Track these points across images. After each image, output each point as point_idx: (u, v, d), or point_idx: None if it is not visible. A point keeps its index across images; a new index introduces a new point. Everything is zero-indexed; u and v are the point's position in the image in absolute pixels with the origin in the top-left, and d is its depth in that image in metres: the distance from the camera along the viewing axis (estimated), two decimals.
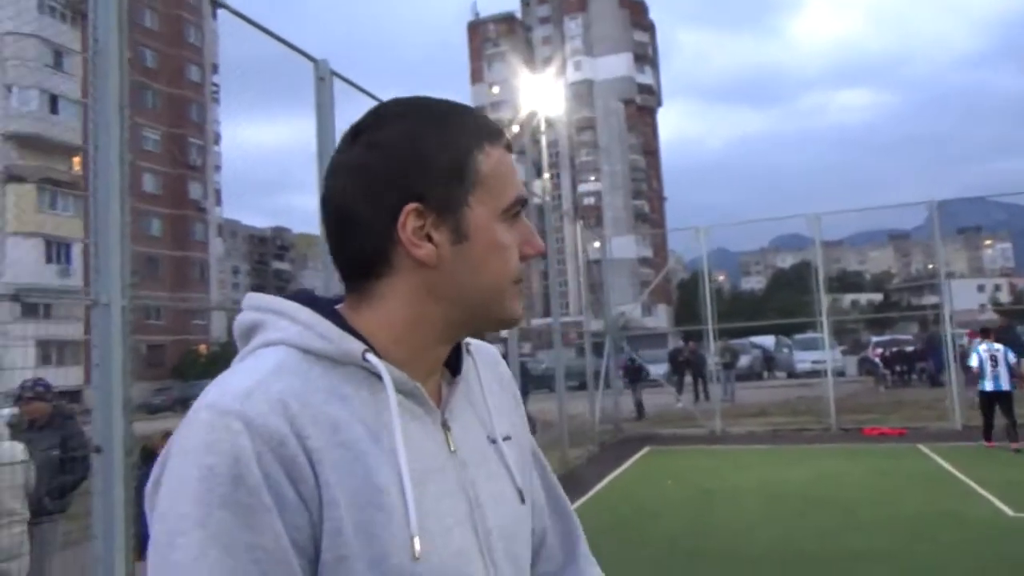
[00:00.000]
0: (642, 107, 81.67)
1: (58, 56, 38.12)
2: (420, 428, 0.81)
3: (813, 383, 18.17)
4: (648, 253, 73.16)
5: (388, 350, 0.80)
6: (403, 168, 0.79)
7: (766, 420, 14.84)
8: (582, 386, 13.92)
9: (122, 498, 3.76)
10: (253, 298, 0.84)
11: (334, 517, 0.71)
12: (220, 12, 5.09)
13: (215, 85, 47.91)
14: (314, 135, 5.56)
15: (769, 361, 29.44)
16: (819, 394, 14.65)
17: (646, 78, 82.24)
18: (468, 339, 0.96)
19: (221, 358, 40.98)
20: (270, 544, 0.68)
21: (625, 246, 60.51)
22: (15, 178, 38.07)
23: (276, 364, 0.76)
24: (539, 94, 34.04)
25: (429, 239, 0.79)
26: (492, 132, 0.84)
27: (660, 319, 63.36)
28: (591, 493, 8.86)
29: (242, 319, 0.82)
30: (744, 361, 24.43)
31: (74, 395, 32.05)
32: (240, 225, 74.68)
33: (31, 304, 35.26)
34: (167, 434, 4.38)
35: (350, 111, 6.09)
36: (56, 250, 38.73)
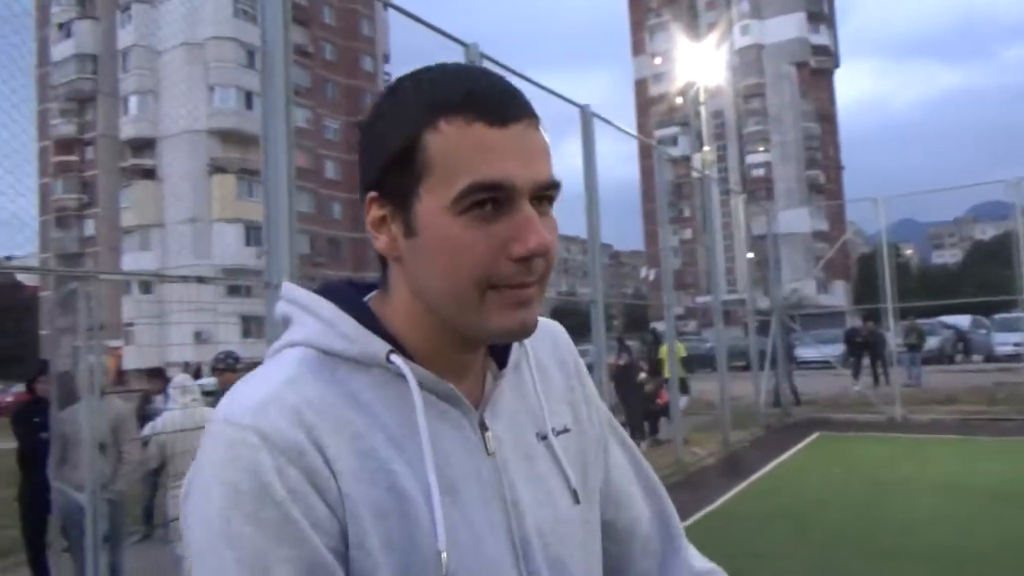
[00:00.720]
0: (817, 70, 76.19)
1: (250, 55, 41.79)
2: (453, 431, 0.75)
3: (1014, 368, 16.36)
4: (823, 227, 68.70)
5: (417, 347, 0.75)
6: (365, 154, 0.75)
7: (955, 408, 13.52)
8: (750, 367, 13.36)
9: None
10: (287, 289, 0.79)
11: (358, 531, 0.67)
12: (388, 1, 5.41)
13: (387, 74, 50.46)
14: None
15: (963, 343, 26.73)
16: (1020, 380, 13.15)
17: (821, 38, 76.56)
18: None
19: None
20: (308, 555, 0.64)
21: (797, 219, 57.12)
22: (218, 169, 42.30)
23: (293, 371, 0.71)
24: (702, 62, 32.73)
25: (390, 229, 0.73)
26: (450, 101, 0.69)
27: (837, 297, 59.46)
28: (752, 478, 8.54)
29: (278, 311, 0.79)
30: (933, 343, 22.34)
31: None
32: None
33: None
34: None
35: None
36: (254, 234, 42.73)
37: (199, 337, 26.86)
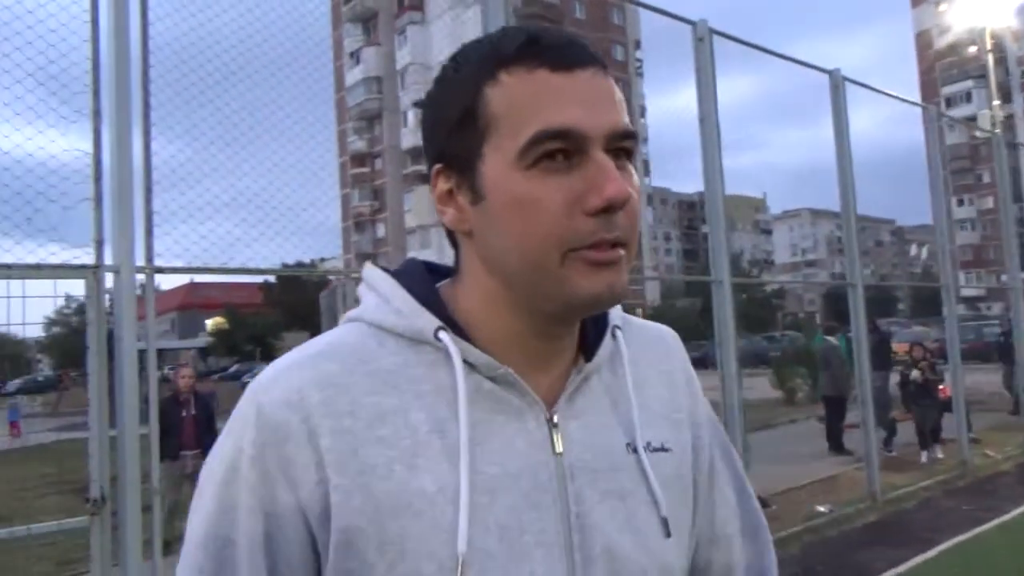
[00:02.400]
0: None
1: None
2: (511, 422, 0.67)
3: None
4: None
5: (487, 331, 0.69)
6: (430, 124, 0.70)
7: None
8: None
9: None
10: (365, 270, 0.77)
11: (347, 526, 0.62)
12: None
13: (639, 60, 50.22)
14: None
15: None
16: None
17: None
18: (621, 317, 0.79)
19: (655, 319, 43.12)
20: (242, 544, 0.63)
21: None
22: None
23: (329, 344, 0.69)
24: (992, 5, 27.94)
25: (456, 201, 0.69)
26: (510, 51, 0.65)
27: None
28: None
29: (358, 291, 0.77)
30: None
31: None
32: (670, 192, 77.36)
33: None
34: None
35: (739, 68, 5.91)
36: None
37: None
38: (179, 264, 3.97)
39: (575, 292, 0.64)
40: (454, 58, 0.70)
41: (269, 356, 37.03)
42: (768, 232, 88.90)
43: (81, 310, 3.64)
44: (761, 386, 14.11)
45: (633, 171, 0.67)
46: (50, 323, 39.20)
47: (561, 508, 0.67)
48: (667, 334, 0.84)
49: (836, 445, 9.50)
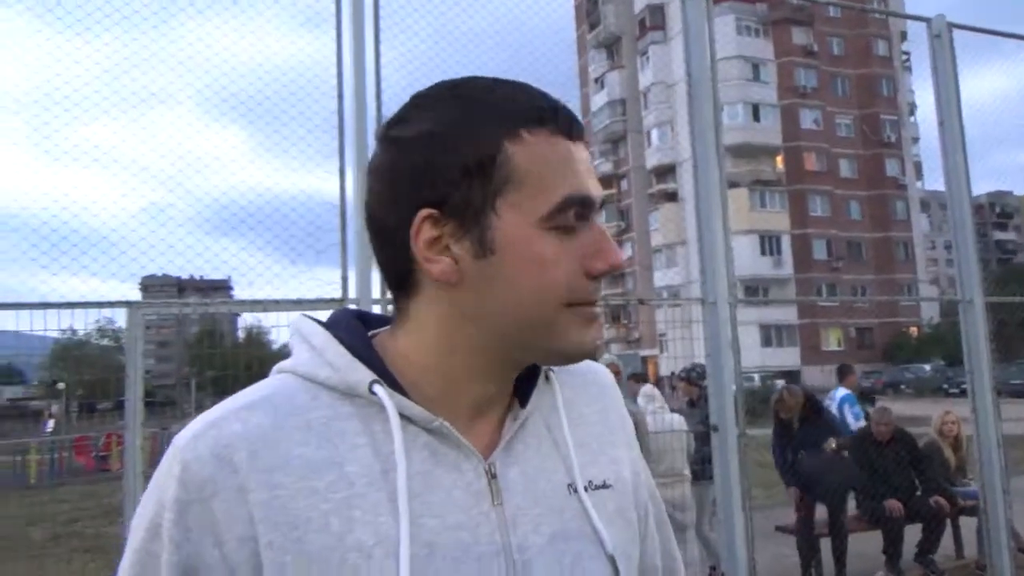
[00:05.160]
0: None
1: (755, 68, 42.37)
2: (449, 474, 0.68)
3: None
4: None
5: (418, 382, 0.69)
6: (421, 167, 0.67)
7: None
8: None
9: (737, 472, 4.23)
10: (295, 320, 0.76)
11: None
12: None
13: (905, 54, 45.46)
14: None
15: None
16: None
17: None
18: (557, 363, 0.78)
19: (933, 340, 38.40)
20: None
21: None
22: (731, 184, 43.73)
23: (260, 396, 0.67)
24: None
25: (450, 251, 0.67)
26: (535, 113, 0.67)
27: None
28: None
29: (288, 342, 0.75)
30: None
31: (792, 374, 34.82)
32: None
33: (754, 290, 40.13)
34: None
35: (984, 61, 5.29)
36: (768, 243, 42.91)
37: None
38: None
39: (567, 343, 0.68)
40: (446, 103, 0.69)
41: None
42: None
43: None
44: None
45: None
46: None
47: (505, 559, 0.67)
48: (601, 372, 0.85)
49: None
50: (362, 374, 0.68)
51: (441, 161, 0.66)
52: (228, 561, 0.61)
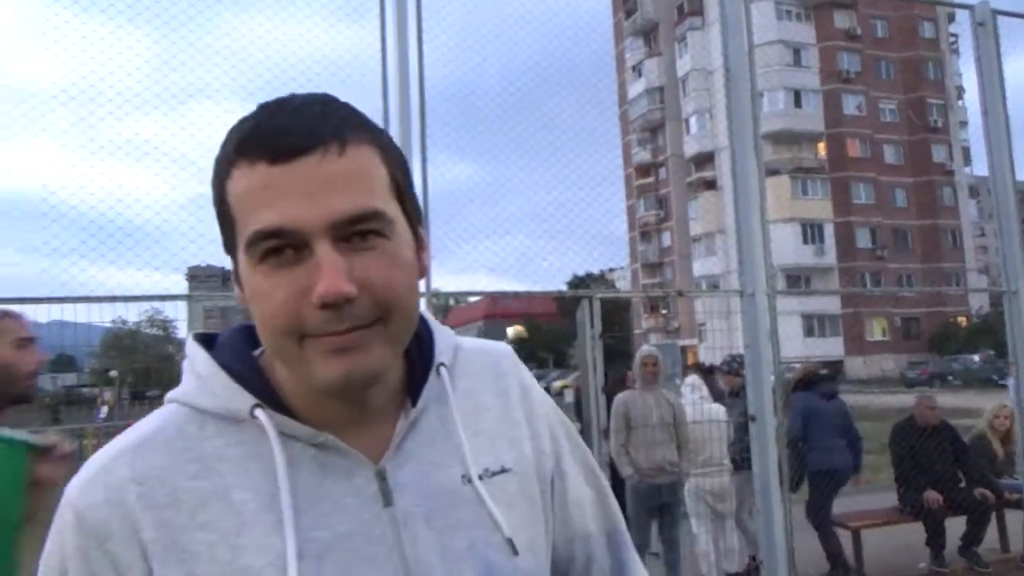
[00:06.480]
0: None
1: (796, 53, 41.59)
2: (340, 483, 0.70)
3: None
4: None
5: (299, 397, 0.71)
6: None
7: None
8: None
9: (775, 462, 4.24)
10: (187, 342, 0.76)
11: None
12: None
13: (952, 36, 44.17)
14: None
15: None
16: None
17: None
18: (453, 347, 0.81)
19: (983, 330, 37.37)
20: None
21: None
22: (772, 172, 43.06)
23: (149, 432, 0.69)
24: None
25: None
26: (239, 145, 0.65)
27: None
28: None
29: (182, 367, 0.76)
30: None
31: (835, 364, 34.12)
32: None
33: (796, 280, 39.51)
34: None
35: None
36: (810, 231, 42.20)
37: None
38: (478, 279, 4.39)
39: (316, 376, 0.65)
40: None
41: (562, 364, 39.05)
42: None
43: None
44: None
45: (385, 248, 0.66)
46: None
47: (398, 557, 0.69)
48: (501, 353, 0.86)
49: None
50: (243, 399, 0.69)
51: (215, 205, 0.69)
52: None
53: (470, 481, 0.74)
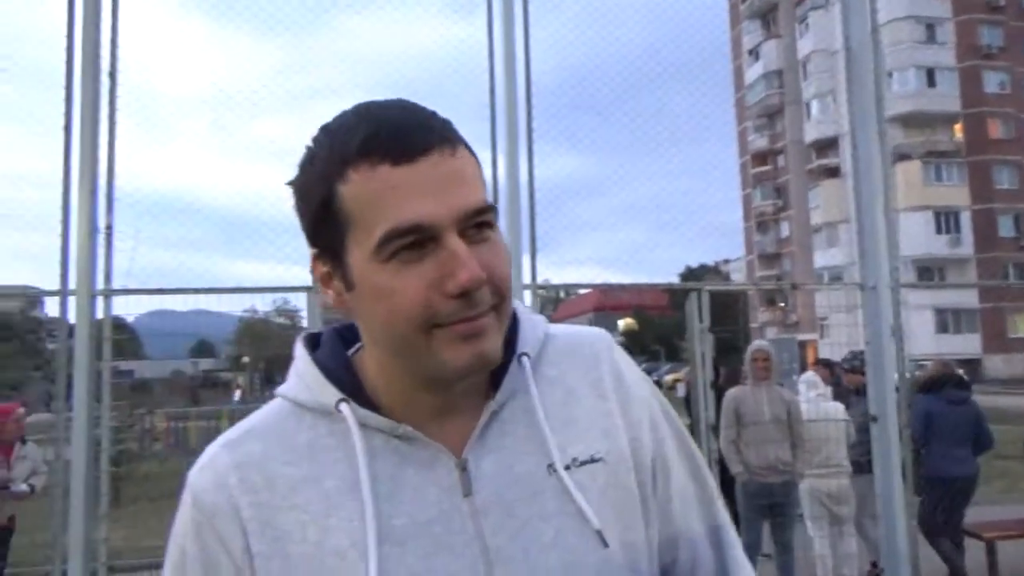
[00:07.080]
0: None
1: (929, 29, 38.81)
2: (421, 473, 0.73)
3: None
4: None
5: (385, 393, 0.76)
6: (298, 212, 0.74)
7: None
8: None
9: (898, 466, 4.04)
10: (297, 341, 0.82)
11: None
12: None
13: None
14: None
15: None
16: None
17: None
18: (544, 335, 0.82)
19: None
20: None
21: None
22: (902, 156, 40.50)
23: (253, 425, 0.78)
24: None
25: (334, 284, 0.74)
26: (357, 147, 0.68)
27: None
28: None
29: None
30: None
31: (972, 363, 31.72)
32: None
33: (928, 271, 37.00)
34: None
35: None
36: (944, 220, 39.42)
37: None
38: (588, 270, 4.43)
39: (444, 364, 0.69)
40: (311, 145, 0.73)
41: (674, 357, 38.29)
42: None
43: None
44: None
45: (496, 239, 0.71)
46: None
47: (478, 547, 0.71)
48: (596, 339, 0.84)
49: None
50: (330, 394, 0.75)
51: (304, 208, 0.73)
52: (236, 564, 0.72)
53: (555, 471, 0.74)
